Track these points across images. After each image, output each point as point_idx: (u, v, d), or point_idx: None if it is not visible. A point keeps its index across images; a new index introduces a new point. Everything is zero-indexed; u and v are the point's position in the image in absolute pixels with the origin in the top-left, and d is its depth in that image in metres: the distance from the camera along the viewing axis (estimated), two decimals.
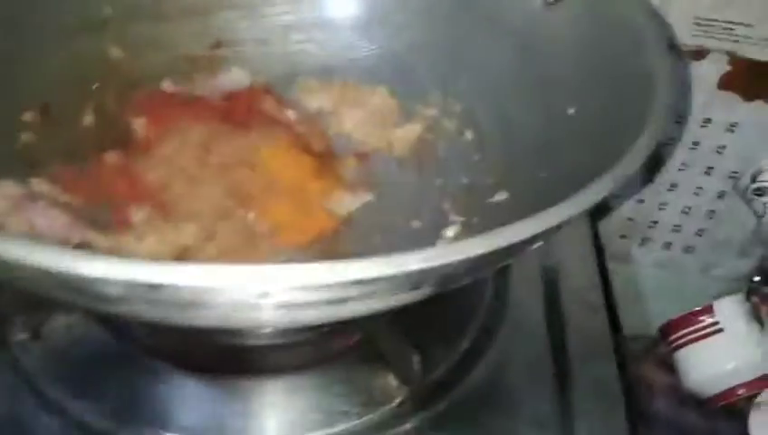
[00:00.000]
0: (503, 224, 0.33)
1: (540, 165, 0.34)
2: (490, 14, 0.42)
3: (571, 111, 0.35)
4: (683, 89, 0.54)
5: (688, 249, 0.66)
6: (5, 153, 0.33)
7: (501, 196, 0.35)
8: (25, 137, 0.35)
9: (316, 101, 0.43)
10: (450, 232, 0.35)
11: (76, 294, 0.20)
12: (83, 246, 0.30)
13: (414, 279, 0.21)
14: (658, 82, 0.29)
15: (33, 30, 0.38)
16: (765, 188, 0.53)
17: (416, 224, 0.36)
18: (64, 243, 0.29)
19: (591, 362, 0.38)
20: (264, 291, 0.19)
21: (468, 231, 0.34)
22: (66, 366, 0.33)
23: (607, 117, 0.32)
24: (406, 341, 0.33)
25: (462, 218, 0.36)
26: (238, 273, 0.19)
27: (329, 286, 0.20)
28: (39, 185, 0.32)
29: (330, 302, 0.21)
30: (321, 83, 0.44)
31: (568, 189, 0.31)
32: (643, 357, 0.61)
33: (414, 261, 0.19)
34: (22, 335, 0.33)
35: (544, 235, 0.22)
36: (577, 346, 0.39)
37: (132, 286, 0.18)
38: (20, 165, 0.33)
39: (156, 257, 0.31)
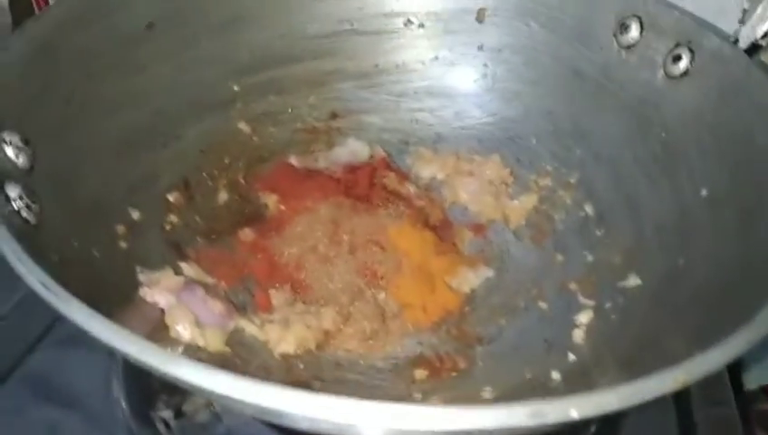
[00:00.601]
0: (639, 316, 0.33)
1: (674, 250, 0.34)
2: (607, 83, 0.42)
3: (704, 192, 0.34)
4: None
5: None
6: (156, 239, 0.35)
7: (633, 280, 0.35)
8: (171, 218, 0.37)
9: (429, 170, 0.44)
10: (583, 318, 0.34)
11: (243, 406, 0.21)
12: (238, 333, 0.32)
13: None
14: None
15: (171, 110, 0.40)
16: None
17: (542, 305, 0.36)
18: (222, 331, 0.31)
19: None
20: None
21: (602, 318, 0.34)
22: None
23: (747, 203, 0.32)
24: None
25: (592, 302, 0.35)
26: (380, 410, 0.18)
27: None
28: (188, 269, 0.34)
29: None
30: (433, 153, 0.45)
31: (710, 283, 0.31)
32: (746, 411, 0.59)
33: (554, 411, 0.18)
34: (165, 413, 0.34)
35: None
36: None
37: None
38: (168, 248, 0.35)
39: (302, 344, 0.32)
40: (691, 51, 0.38)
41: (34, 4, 0.59)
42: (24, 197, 0.26)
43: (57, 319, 0.37)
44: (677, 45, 0.38)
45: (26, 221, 0.26)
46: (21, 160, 0.28)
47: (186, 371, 0.19)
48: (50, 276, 0.21)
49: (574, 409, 0.18)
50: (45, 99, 0.32)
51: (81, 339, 0.25)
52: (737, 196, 0.33)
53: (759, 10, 0.38)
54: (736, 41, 0.38)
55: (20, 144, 0.28)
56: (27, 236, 0.24)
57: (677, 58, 0.38)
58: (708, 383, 0.38)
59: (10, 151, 0.28)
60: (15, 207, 0.25)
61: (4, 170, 0.27)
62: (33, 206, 0.26)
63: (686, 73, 0.38)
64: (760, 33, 0.37)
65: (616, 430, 0.35)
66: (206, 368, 0.19)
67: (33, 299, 0.21)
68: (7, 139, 0.28)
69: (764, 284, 0.26)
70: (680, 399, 0.37)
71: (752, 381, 0.61)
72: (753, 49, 0.38)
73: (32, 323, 0.38)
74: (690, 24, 0.38)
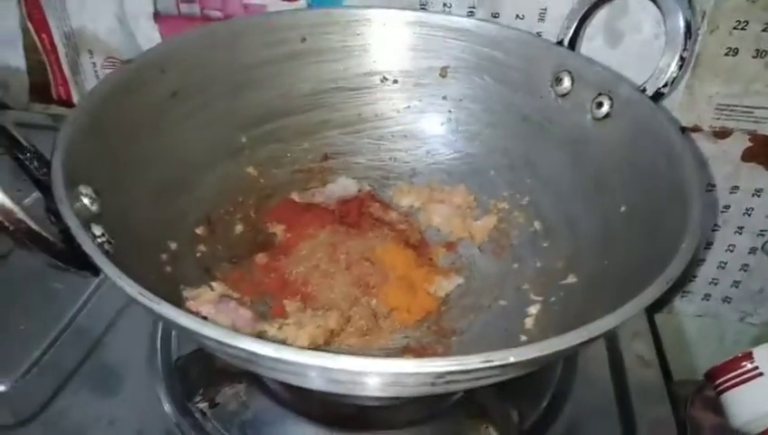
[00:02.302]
0: (576, 305, 0.42)
1: (601, 254, 0.43)
2: (548, 125, 0.51)
3: (623, 208, 0.44)
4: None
5: (726, 299, 0.73)
6: (191, 264, 0.44)
7: (571, 279, 0.44)
8: (200, 247, 0.45)
9: (407, 199, 0.53)
10: (533, 309, 0.44)
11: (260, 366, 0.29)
12: (262, 335, 0.40)
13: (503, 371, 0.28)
14: (693, 191, 0.37)
15: (192, 161, 0.49)
16: None
17: (503, 303, 0.45)
18: (251, 332, 0.39)
19: (649, 406, 0.46)
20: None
21: (548, 309, 0.43)
22: (236, 427, 0.42)
23: (653, 216, 0.41)
24: (504, 398, 0.42)
25: (540, 298, 0.45)
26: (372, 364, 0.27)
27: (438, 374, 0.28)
28: (218, 287, 0.42)
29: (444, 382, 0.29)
30: (410, 185, 0.54)
31: (626, 277, 0.40)
32: (693, 400, 0.68)
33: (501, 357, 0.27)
34: (202, 404, 0.42)
35: (607, 333, 0.30)
36: (636, 394, 0.47)
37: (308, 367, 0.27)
38: (201, 271, 0.44)
39: (314, 340, 0.40)
40: (610, 98, 0.47)
41: (48, 70, 0.67)
42: (105, 234, 0.35)
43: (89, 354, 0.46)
44: (600, 94, 0.48)
45: (108, 253, 0.34)
46: (94, 207, 0.37)
47: (249, 343, 0.27)
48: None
49: (511, 356, 0.27)
50: (101, 158, 0.40)
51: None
52: (645, 211, 0.42)
53: (660, 64, 0.47)
54: (644, 90, 0.47)
55: (92, 194, 0.37)
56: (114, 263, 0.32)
57: (600, 104, 0.48)
58: (646, 389, 0.47)
59: (86, 200, 0.36)
60: (100, 241, 0.34)
61: (86, 215, 0.35)
62: (111, 241, 0.35)
63: (607, 116, 0.47)
64: (661, 83, 0.47)
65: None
66: (265, 342, 0.27)
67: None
68: (83, 191, 0.36)
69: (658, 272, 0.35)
70: (623, 401, 0.46)
71: (698, 373, 0.70)
72: (658, 96, 0.47)
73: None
74: (608, 77, 0.48)
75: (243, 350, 0.27)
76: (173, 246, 0.43)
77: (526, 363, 0.28)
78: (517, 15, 0.57)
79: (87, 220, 0.35)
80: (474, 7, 0.57)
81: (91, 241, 0.31)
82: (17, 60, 0.67)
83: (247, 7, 0.59)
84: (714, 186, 0.65)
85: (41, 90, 0.69)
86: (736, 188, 0.65)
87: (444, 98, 0.55)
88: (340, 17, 0.53)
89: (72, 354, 0.45)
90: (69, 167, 0.36)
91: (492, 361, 0.27)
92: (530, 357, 0.27)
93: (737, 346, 0.74)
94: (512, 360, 0.27)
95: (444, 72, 0.55)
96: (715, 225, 0.68)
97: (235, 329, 0.38)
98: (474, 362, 0.27)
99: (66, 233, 0.33)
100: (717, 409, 0.63)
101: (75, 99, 0.69)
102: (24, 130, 0.37)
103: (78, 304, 0.49)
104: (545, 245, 0.48)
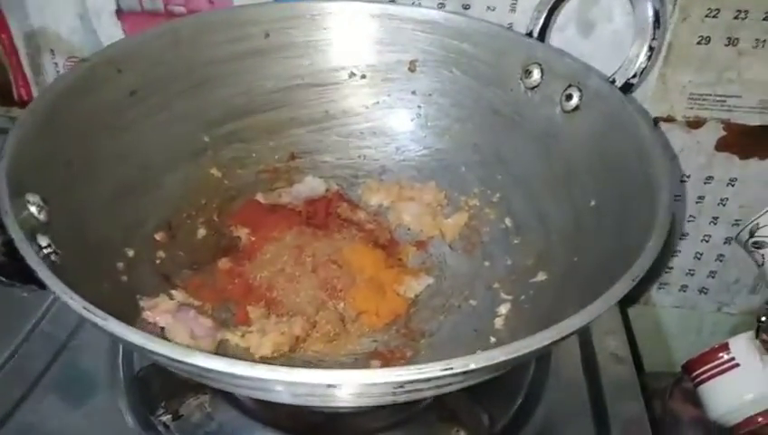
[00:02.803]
0: (546, 303, 0.41)
1: (572, 250, 0.42)
2: (518, 119, 0.50)
3: (593, 203, 0.43)
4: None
5: (703, 290, 0.73)
6: (149, 272, 0.42)
7: (541, 276, 0.43)
8: (159, 254, 0.44)
9: (376, 198, 0.52)
10: (503, 309, 0.43)
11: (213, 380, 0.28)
12: (223, 344, 0.39)
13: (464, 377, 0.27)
14: (661, 186, 0.37)
15: (152, 162, 0.47)
16: (761, 241, 0.61)
17: (473, 302, 0.45)
18: (212, 341, 0.38)
19: (623, 403, 0.46)
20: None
21: (518, 308, 0.42)
22: None
23: (622, 211, 0.40)
24: (475, 401, 0.41)
25: (511, 297, 0.44)
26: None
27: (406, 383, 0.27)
28: (178, 295, 0.41)
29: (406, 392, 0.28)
30: (379, 183, 0.53)
31: (596, 274, 0.39)
32: (671, 392, 0.68)
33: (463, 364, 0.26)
34: (165, 417, 0.41)
35: (576, 332, 0.30)
36: (610, 392, 0.46)
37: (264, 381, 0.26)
38: (160, 279, 0.42)
39: (278, 348, 0.39)
40: (580, 90, 0.46)
41: (8, 71, 0.65)
42: (52, 245, 0.33)
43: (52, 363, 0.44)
44: (569, 86, 0.47)
45: (54, 263, 0.32)
46: (42, 216, 0.35)
47: (201, 359, 0.26)
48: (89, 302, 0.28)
49: (472, 363, 0.26)
50: (53, 163, 0.39)
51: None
52: (615, 205, 0.41)
53: (630, 54, 0.47)
54: (614, 81, 0.47)
55: (40, 203, 0.35)
56: (59, 275, 0.31)
57: (570, 97, 0.47)
58: (620, 387, 0.46)
59: (33, 209, 0.35)
60: (46, 253, 0.32)
61: (33, 225, 0.34)
62: (58, 251, 0.33)
63: (577, 108, 0.46)
64: (630, 74, 0.46)
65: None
66: (218, 357, 0.26)
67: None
68: (30, 199, 0.35)
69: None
70: (596, 401, 0.46)
71: (676, 365, 0.70)
72: (628, 87, 0.46)
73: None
74: (578, 68, 0.47)
75: (194, 366, 0.26)
76: (130, 253, 0.42)
77: (488, 369, 0.27)
78: (488, 7, 0.56)
79: (33, 230, 0.33)
80: None
81: (35, 254, 0.30)
82: None
83: (212, 2, 0.58)
84: (688, 176, 0.64)
85: (2, 92, 0.67)
86: (710, 178, 0.64)
87: (413, 93, 0.54)
88: (306, 11, 0.52)
89: (34, 364, 0.44)
90: (15, 175, 0.34)
91: (452, 368, 0.25)
92: (491, 363, 0.26)
93: (715, 337, 0.74)
94: (473, 367, 0.26)
95: (413, 67, 0.54)
96: (690, 215, 0.67)
97: (194, 339, 0.37)
98: (434, 370, 0.26)
99: (10, 245, 0.31)
100: (696, 401, 0.63)
101: None
102: None
103: (41, 309, 0.47)
104: (516, 241, 0.48)
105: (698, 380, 0.64)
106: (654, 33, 0.45)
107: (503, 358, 0.26)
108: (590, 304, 0.30)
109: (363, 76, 0.54)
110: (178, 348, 0.26)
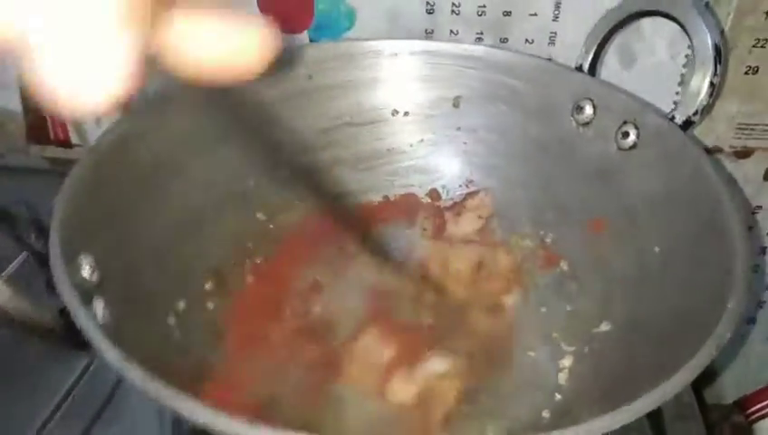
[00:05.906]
0: (612, 357, 0.39)
1: (636, 300, 0.40)
2: (569, 155, 0.48)
3: (657, 249, 0.41)
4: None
5: (751, 320, 0.71)
6: (201, 326, 0.41)
7: (605, 326, 0.41)
8: (209, 305, 0.42)
9: None
10: (566, 362, 0.41)
11: None
12: None
13: None
14: (734, 238, 0.35)
15: (197, 207, 0.46)
16: None
17: (532, 354, 0.43)
18: None
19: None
20: None
21: (581, 361, 0.41)
22: None
23: (691, 259, 0.38)
24: None
25: (573, 348, 0.42)
26: None
27: None
28: None
29: None
30: None
31: (665, 327, 0.37)
32: (722, 427, 0.66)
33: None
34: None
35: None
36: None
37: None
38: (212, 337, 0.41)
39: None
40: (636, 127, 0.45)
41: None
42: (107, 306, 0.32)
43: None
44: (625, 123, 0.45)
45: (109, 327, 0.31)
46: (94, 278, 0.34)
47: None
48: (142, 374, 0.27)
49: None
50: (102, 216, 0.38)
51: None
52: (682, 253, 0.39)
53: (690, 90, 0.45)
54: (673, 118, 0.45)
55: (92, 263, 0.34)
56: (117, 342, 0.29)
57: (626, 134, 0.45)
58: (678, 403, 0.44)
59: (86, 272, 0.34)
60: (103, 322, 0.31)
61: (88, 289, 0.32)
62: (113, 312, 0.32)
63: (634, 146, 0.45)
64: (691, 111, 0.45)
65: None
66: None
67: None
68: (83, 261, 0.34)
69: (704, 326, 0.32)
70: (652, 416, 0.43)
71: (727, 396, 0.68)
72: (688, 124, 0.44)
73: None
74: (634, 105, 0.45)
75: None
76: (181, 305, 0.40)
77: None
78: (526, 40, 0.55)
79: (87, 294, 0.32)
80: (481, 33, 0.55)
81: (95, 326, 0.28)
82: (14, 102, 0.64)
83: None
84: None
85: (37, 131, 0.67)
86: (759, 207, 0.62)
87: (458, 129, 0.52)
88: (347, 50, 0.51)
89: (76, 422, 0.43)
90: (67, 235, 0.33)
91: None
92: None
93: (764, 368, 0.71)
94: None
95: (456, 102, 0.52)
96: None
97: None
98: None
99: (63, 312, 0.30)
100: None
101: (73, 139, 0.66)
102: (21, 175, 0.34)
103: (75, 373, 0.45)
104: (574, 287, 0.46)
105: (753, 417, 0.62)
106: (715, 69, 0.43)
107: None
108: (672, 373, 0.28)
109: (407, 114, 0.53)
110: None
